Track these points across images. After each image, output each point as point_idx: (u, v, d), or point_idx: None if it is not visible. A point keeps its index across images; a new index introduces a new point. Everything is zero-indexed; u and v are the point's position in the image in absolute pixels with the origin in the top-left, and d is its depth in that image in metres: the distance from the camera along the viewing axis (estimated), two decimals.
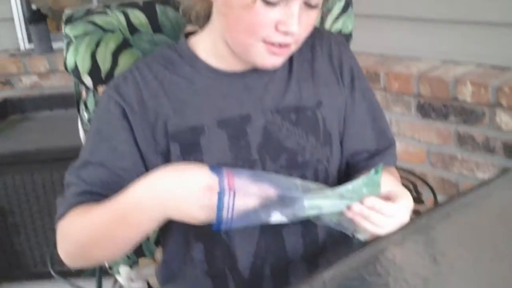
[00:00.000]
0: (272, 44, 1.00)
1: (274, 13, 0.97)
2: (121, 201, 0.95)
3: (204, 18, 1.10)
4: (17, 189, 2.32)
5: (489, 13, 2.21)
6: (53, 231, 1.04)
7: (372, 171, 0.94)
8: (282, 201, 0.92)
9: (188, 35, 1.13)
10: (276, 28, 0.98)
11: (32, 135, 2.53)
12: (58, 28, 3.49)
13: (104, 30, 1.22)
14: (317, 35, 1.15)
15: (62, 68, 3.06)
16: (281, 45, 1.01)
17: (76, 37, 1.21)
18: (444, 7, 2.32)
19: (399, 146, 2.24)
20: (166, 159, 1.04)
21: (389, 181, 1.00)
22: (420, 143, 2.35)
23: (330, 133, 1.12)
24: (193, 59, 1.09)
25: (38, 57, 3.14)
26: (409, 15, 2.43)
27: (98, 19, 1.22)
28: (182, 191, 0.91)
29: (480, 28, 2.25)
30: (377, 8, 2.43)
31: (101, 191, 1.02)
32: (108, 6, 1.24)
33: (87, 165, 1.04)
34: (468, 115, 2.19)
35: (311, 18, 1.02)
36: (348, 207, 0.94)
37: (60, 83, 3.12)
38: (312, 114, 1.10)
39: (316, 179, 1.09)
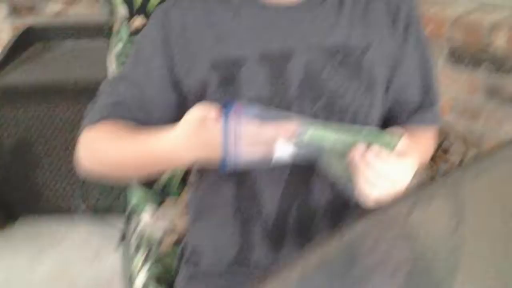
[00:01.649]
0: None
1: None
2: (154, 144, 0.99)
3: None
4: (40, 120, 2.31)
5: None
6: (74, 167, 1.09)
7: (391, 134, 0.90)
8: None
9: None
10: None
11: (56, 65, 2.49)
12: None
13: None
14: None
15: None
16: None
17: None
18: None
19: None
20: (204, 88, 1.05)
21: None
22: (448, 91, 2.30)
23: (375, 79, 1.08)
24: None
25: None
26: None
27: None
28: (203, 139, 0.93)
29: None
30: None
31: (129, 107, 1.07)
32: None
33: (124, 80, 1.09)
34: (501, 63, 2.13)
35: None
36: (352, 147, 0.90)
37: (86, 11, 3.08)
38: (359, 56, 1.06)
39: (353, 122, 1.05)
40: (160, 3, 1.16)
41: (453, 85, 2.29)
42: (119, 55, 1.25)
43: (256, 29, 1.06)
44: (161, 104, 1.07)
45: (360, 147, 0.90)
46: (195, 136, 0.93)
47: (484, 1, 2.29)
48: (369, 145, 0.89)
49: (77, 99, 2.24)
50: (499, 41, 2.10)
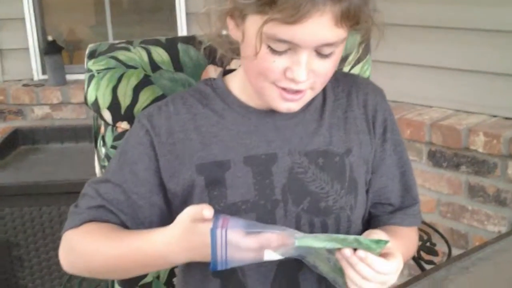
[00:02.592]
0: (284, 89, 1.00)
1: (282, 60, 0.97)
2: (139, 248, 1.01)
3: (228, 59, 1.11)
4: (24, 221, 2.31)
5: (502, 64, 2.22)
6: (58, 266, 1.07)
7: (377, 240, 0.92)
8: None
9: (225, 73, 1.15)
10: (285, 74, 0.98)
11: (42, 167, 2.52)
12: (72, 61, 3.53)
13: (126, 66, 1.22)
14: (355, 82, 1.16)
15: (74, 100, 3.13)
16: (293, 91, 1.00)
17: (98, 71, 1.22)
18: (457, 56, 2.34)
19: None
20: (190, 191, 1.06)
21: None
22: (430, 191, 2.34)
23: (356, 181, 1.10)
24: (226, 95, 1.11)
25: (51, 88, 3.16)
26: (423, 63, 2.45)
27: (121, 54, 1.23)
28: (197, 241, 0.95)
29: (493, 79, 2.26)
30: (392, 55, 2.45)
31: (114, 210, 1.06)
32: (130, 42, 1.25)
33: (107, 182, 1.08)
34: (480, 166, 2.19)
35: (326, 66, 1.00)
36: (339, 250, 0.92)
37: (71, 115, 3.14)
38: (340, 161, 1.09)
39: (337, 226, 1.08)
40: (144, 109, 1.19)
41: (435, 186, 2.33)
42: (103, 159, 1.27)
43: (240, 132, 1.08)
44: (145, 207, 1.07)
45: (345, 251, 0.91)
46: (186, 237, 0.94)
47: (458, 107, 2.37)
48: (355, 250, 0.91)
49: (62, 201, 2.25)
50: (477, 145, 2.16)
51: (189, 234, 0.94)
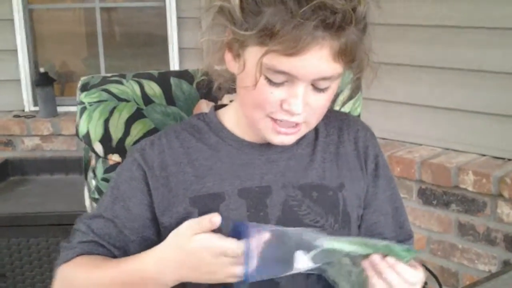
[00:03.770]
0: (278, 121, 1.00)
1: (279, 92, 0.98)
2: (131, 270, 1.00)
3: (221, 94, 1.12)
4: (11, 252, 2.28)
5: (491, 104, 2.25)
6: None
7: (407, 248, 0.94)
8: (303, 242, 0.93)
9: (217, 108, 1.16)
10: (281, 106, 0.99)
11: (31, 198, 2.50)
12: (63, 93, 3.53)
13: (119, 99, 1.22)
14: (345, 119, 1.17)
15: (65, 132, 3.12)
16: (288, 125, 1.01)
17: (90, 104, 1.22)
18: (447, 96, 2.36)
19: None
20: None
21: None
22: (420, 229, 2.34)
23: (349, 215, 1.10)
24: (220, 128, 1.11)
25: (41, 120, 3.16)
26: (413, 102, 2.47)
27: (113, 87, 1.23)
28: (192, 259, 0.94)
29: (482, 118, 2.28)
30: (382, 94, 2.47)
31: (106, 245, 1.06)
32: (123, 76, 1.25)
33: (99, 217, 1.08)
34: (470, 204, 2.19)
35: (321, 101, 1.01)
36: (367, 257, 0.93)
37: (62, 147, 3.13)
38: (333, 195, 1.09)
39: None
40: (135, 142, 1.19)
41: (425, 224, 2.33)
42: (93, 192, 1.26)
43: (234, 164, 1.08)
44: (137, 241, 1.07)
45: (374, 258, 0.92)
46: (180, 254, 0.94)
47: (447, 146, 2.39)
48: (384, 256, 0.92)
49: (51, 233, 2.23)
50: (466, 183, 2.17)
51: (183, 250, 0.94)
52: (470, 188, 2.16)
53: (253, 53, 0.96)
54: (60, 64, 3.65)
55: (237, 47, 1.00)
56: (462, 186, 2.18)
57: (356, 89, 1.38)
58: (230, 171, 1.08)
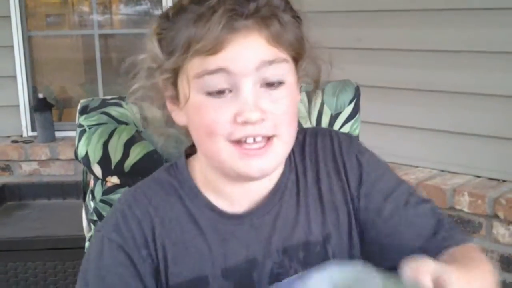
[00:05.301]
0: (243, 143, 0.88)
1: (226, 105, 0.87)
2: None
3: None
4: (8, 277, 2.28)
5: (486, 126, 2.27)
6: None
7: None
8: None
9: (188, 154, 1.03)
10: (235, 121, 0.86)
11: (28, 223, 2.51)
12: (61, 118, 3.55)
13: (118, 121, 1.24)
14: (319, 138, 1.02)
15: (63, 156, 3.14)
16: (256, 145, 0.88)
17: (90, 127, 1.23)
18: (443, 118, 2.38)
19: None
20: None
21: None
22: None
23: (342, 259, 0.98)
24: (194, 194, 0.97)
25: (39, 145, 3.17)
26: (408, 124, 2.49)
27: (113, 110, 1.24)
28: None
29: (477, 140, 2.30)
30: (378, 116, 2.49)
31: None
32: (122, 98, 1.27)
33: None
34: (465, 225, 2.20)
35: (280, 101, 0.89)
36: None
37: (59, 172, 3.14)
38: (321, 249, 0.97)
39: None
40: (134, 164, 1.20)
41: None
42: (91, 213, 1.27)
43: (215, 240, 0.95)
44: None
45: None
46: None
47: (443, 168, 2.40)
48: None
49: (48, 257, 2.23)
50: (462, 204, 2.18)
51: None
52: (465, 209, 2.17)
53: (183, 77, 0.90)
54: (58, 90, 3.68)
55: (171, 88, 0.93)
56: (457, 207, 2.19)
57: (354, 111, 1.38)
58: (211, 248, 0.94)
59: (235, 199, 0.97)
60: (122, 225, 0.94)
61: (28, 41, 3.34)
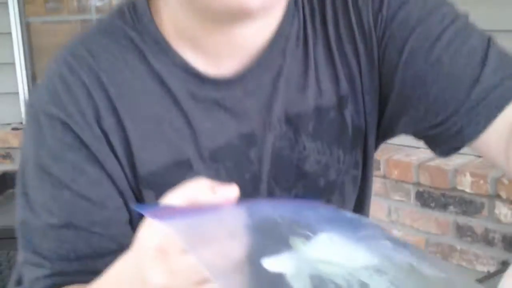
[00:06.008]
0: None
1: None
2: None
3: None
4: (11, 265, 2.28)
5: None
6: None
7: None
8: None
9: None
10: None
11: None
12: None
13: None
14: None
15: None
16: None
17: None
18: None
19: (398, 234, 2.23)
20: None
21: None
22: (419, 232, 2.34)
23: (358, 127, 0.79)
24: (163, 50, 0.72)
25: None
26: None
27: None
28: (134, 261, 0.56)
29: None
30: None
31: (81, 267, 0.72)
32: None
33: (47, 231, 0.74)
34: (467, 206, 2.19)
35: None
36: None
37: None
38: (337, 115, 0.77)
39: (342, 197, 0.81)
40: None
41: (423, 226, 2.33)
42: None
43: (198, 113, 0.73)
44: (122, 216, 0.74)
45: None
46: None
47: None
48: None
49: None
50: (464, 185, 2.18)
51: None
52: (467, 190, 2.17)
53: None
54: None
55: None
56: (459, 187, 2.19)
57: None
58: (192, 124, 0.73)
59: (221, 54, 0.72)
60: (63, 94, 0.70)
61: (26, 27, 3.32)
